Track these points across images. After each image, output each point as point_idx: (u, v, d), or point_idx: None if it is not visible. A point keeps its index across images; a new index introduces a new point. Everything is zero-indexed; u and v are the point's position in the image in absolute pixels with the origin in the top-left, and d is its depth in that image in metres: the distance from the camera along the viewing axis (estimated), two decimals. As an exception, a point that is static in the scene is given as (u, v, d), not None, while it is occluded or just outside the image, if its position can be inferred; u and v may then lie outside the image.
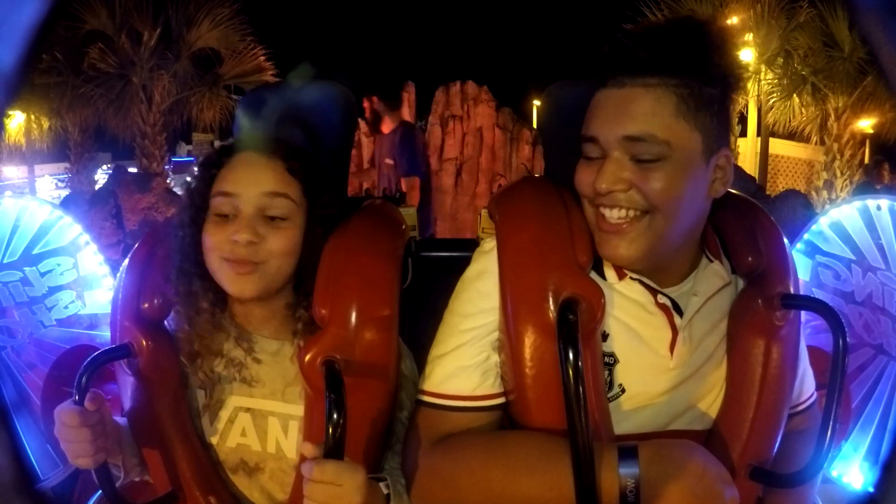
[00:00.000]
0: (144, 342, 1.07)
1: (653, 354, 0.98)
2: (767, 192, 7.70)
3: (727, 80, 0.95)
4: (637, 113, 0.92)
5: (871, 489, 1.65)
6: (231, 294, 1.06)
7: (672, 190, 0.92)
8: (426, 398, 1.03)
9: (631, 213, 0.94)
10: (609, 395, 0.98)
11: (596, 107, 0.97)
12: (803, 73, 8.65)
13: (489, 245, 1.04)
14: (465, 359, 1.01)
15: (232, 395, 1.10)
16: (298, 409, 1.07)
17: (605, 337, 0.98)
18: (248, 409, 1.10)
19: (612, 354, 0.98)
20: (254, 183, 1.04)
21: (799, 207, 5.30)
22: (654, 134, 0.91)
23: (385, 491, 0.96)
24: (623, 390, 0.98)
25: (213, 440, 1.10)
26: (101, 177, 10.73)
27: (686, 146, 0.92)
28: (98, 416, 0.94)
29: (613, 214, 0.95)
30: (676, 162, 0.92)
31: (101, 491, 0.99)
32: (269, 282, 1.04)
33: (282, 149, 1.07)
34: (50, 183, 12.40)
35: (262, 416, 1.10)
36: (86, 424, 0.92)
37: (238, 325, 1.12)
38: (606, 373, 0.98)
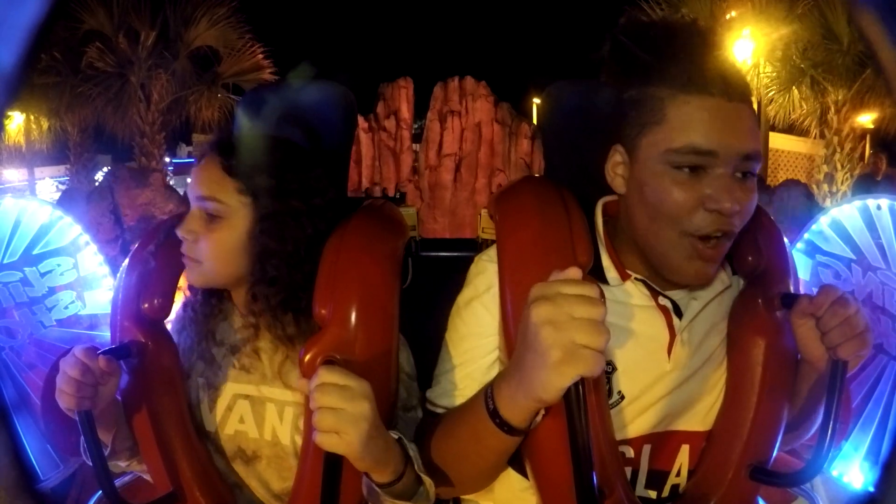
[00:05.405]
0: (144, 342, 1.07)
1: (650, 358, 0.98)
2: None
3: None
4: (752, 130, 0.89)
5: (871, 489, 1.66)
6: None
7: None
8: (430, 407, 1.04)
9: (723, 235, 0.90)
10: (609, 402, 0.97)
11: (709, 118, 0.87)
12: (802, 66, 8.61)
13: (490, 268, 1.01)
14: (462, 380, 1.01)
15: (229, 381, 1.12)
16: (295, 395, 1.08)
17: None
18: (246, 396, 1.11)
19: (610, 362, 0.96)
20: (196, 185, 1.08)
21: (801, 197, 5.27)
22: (759, 151, 0.90)
23: (411, 454, 0.94)
24: (622, 397, 0.97)
25: (212, 428, 1.12)
26: (101, 178, 10.72)
27: None
28: (100, 372, 0.94)
29: (711, 241, 0.90)
30: None
31: (101, 491, 0.99)
32: (210, 279, 1.10)
33: (222, 146, 1.08)
34: (51, 185, 12.35)
35: (261, 402, 1.11)
36: (89, 365, 0.93)
37: (242, 314, 1.14)
38: (605, 381, 0.97)
